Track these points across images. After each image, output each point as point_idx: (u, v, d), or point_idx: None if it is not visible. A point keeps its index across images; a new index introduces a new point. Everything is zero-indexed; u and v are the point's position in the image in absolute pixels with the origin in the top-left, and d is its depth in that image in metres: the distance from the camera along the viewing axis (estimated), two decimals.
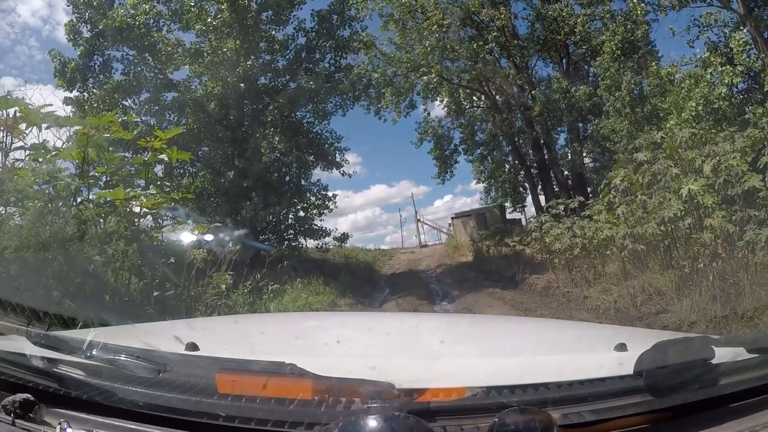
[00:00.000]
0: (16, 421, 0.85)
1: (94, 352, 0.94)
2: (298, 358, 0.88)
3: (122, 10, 11.25)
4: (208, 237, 5.44)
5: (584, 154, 14.48)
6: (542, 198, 14.68)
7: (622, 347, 1.04)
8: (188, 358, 1.01)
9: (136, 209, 4.86)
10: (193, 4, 11.80)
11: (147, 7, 11.38)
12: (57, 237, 3.77)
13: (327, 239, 12.86)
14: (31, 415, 0.86)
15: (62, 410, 0.88)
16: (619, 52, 11.10)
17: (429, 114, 16.86)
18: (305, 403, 0.82)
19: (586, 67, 14.16)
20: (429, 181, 30.80)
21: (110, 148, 4.95)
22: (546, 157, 14.82)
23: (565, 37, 13.32)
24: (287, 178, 12.66)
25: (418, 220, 24.12)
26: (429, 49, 13.38)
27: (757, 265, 4.95)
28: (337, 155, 13.40)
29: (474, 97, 16.63)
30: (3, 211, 4.22)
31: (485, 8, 13.48)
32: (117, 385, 0.89)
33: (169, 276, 4.52)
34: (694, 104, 8.90)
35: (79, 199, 4.60)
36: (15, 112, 4.48)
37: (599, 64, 11.51)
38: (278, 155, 12.09)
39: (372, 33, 14.03)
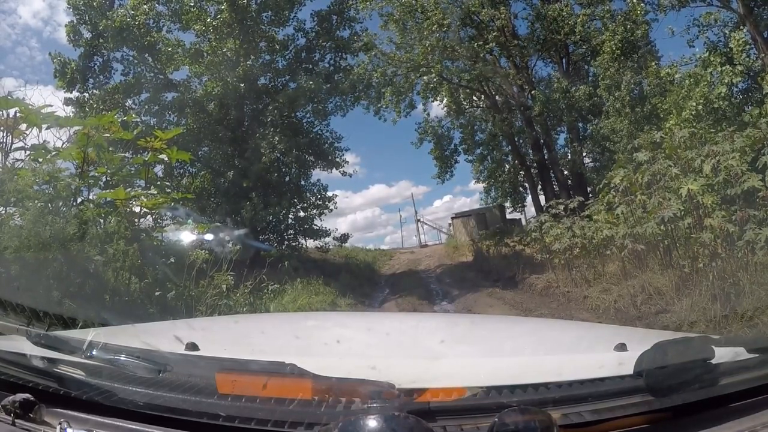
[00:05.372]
0: (16, 421, 0.85)
1: (94, 352, 0.94)
2: (298, 358, 0.88)
3: (122, 11, 11.26)
4: (209, 237, 5.43)
5: (584, 154, 14.48)
6: (542, 198, 14.70)
7: (622, 347, 1.04)
8: (188, 358, 1.00)
9: (137, 209, 4.87)
10: (192, 4, 11.82)
11: (147, 7, 11.38)
12: (57, 237, 3.77)
13: (327, 239, 12.92)
14: (31, 415, 0.86)
15: (62, 410, 0.88)
16: (618, 52, 11.09)
17: (429, 114, 16.86)
18: (305, 403, 0.82)
19: (586, 67, 14.14)
20: (428, 181, 30.84)
21: (110, 148, 4.96)
22: (546, 157, 14.82)
23: (565, 37, 13.32)
24: (287, 178, 12.67)
25: (418, 220, 24.14)
26: (429, 48, 13.38)
27: (757, 264, 4.93)
28: (336, 155, 13.44)
29: (474, 97, 16.63)
30: (3, 211, 4.22)
31: (485, 8, 13.46)
32: (117, 385, 0.89)
33: (169, 276, 4.51)
34: (694, 104, 8.90)
35: (79, 199, 4.60)
36: (15, 112, 4.49)
37: (599, 64, 11.51)
38: (278, 155, 12.10)
39: (372, 32, 14.06)
